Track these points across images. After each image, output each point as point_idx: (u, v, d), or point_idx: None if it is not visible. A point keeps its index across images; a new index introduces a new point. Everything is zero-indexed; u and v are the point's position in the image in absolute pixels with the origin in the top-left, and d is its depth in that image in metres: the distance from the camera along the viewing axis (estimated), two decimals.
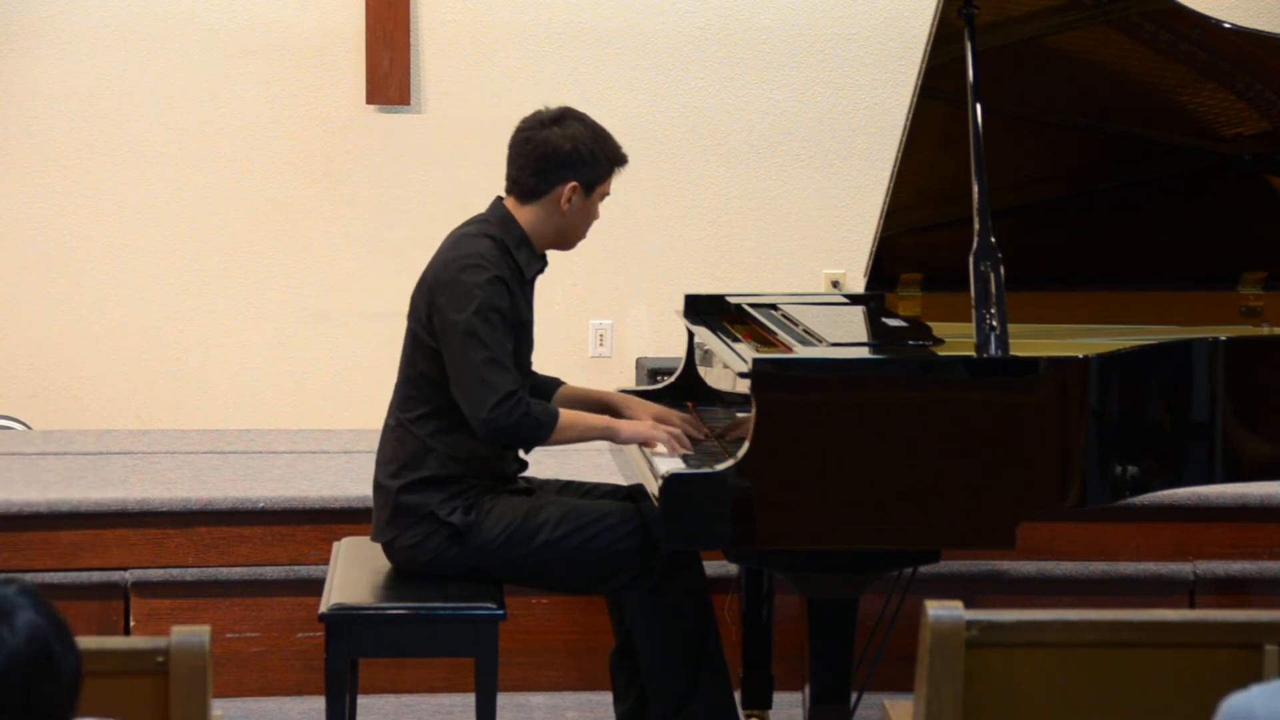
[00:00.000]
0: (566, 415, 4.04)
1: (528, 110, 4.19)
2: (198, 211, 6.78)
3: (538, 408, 4.00)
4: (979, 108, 3.94)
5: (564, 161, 4.10)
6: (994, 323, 3.79)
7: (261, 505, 4.99)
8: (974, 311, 3.81)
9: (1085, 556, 5.09)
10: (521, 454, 4.20)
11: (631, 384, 6.37)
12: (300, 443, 5.80)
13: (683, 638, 4.09)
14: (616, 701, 4.34)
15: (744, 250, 6.95)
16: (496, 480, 4.16)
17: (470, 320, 3.98)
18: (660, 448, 4.04)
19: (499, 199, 4.19)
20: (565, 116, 4.15)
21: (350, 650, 3.98)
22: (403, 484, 4.09)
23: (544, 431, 3.99)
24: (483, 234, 4.12)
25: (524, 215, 4.14)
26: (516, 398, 3.96)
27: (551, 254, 4.21)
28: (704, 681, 4.09)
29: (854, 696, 3.85)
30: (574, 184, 4.11)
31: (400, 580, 4.10)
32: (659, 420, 4.16)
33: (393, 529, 4.12)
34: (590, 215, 4.18)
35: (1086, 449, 3.78)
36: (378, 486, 4.17)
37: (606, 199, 4.19)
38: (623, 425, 4.11)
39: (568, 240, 4.20)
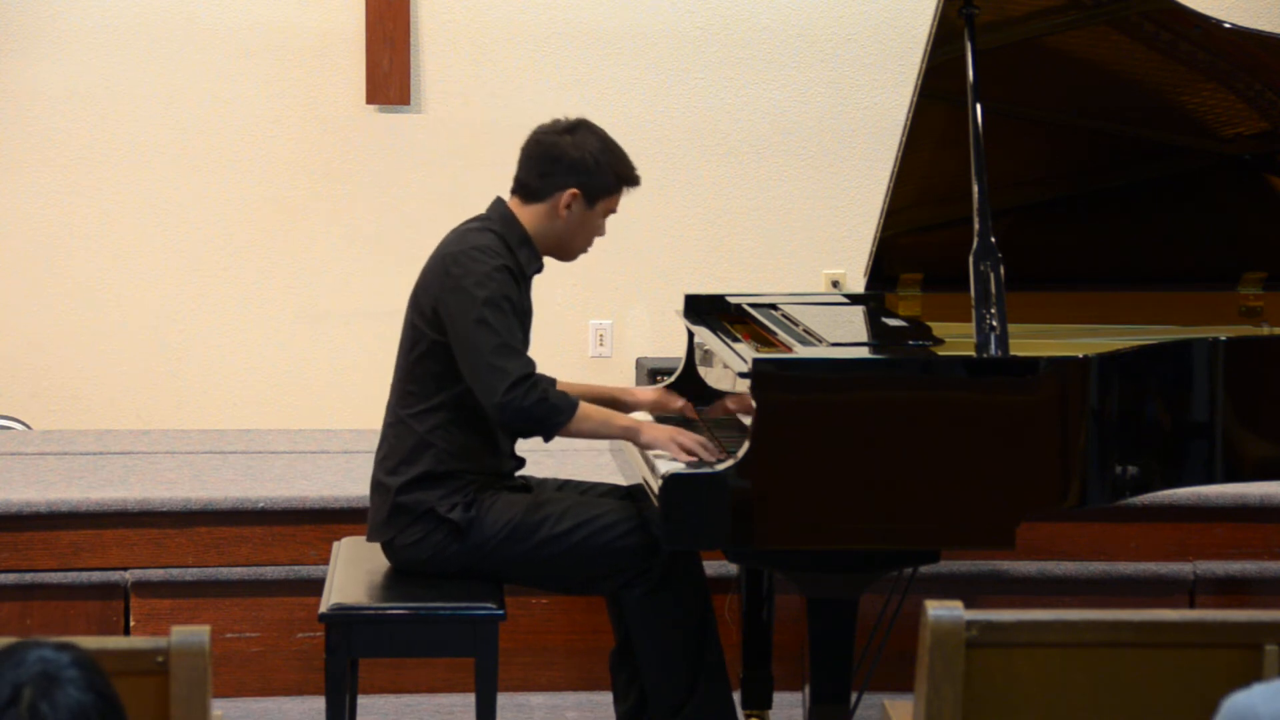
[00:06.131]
0: (586, 407, 4.00)
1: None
2: (198, 211, 6.78)
3: (555, 394, 3.97)
4: (979, 108, 3.94)
5: (568, 166, 4.10)
6: (994, 323, 3.78)
7: (261, 505, 4.99)
8: (974, 311, 3.81)
9: (1085, 556, 5.09)
10: (539, 443, 4.15)
11: (631, 384, 6.38)
12: (300, 443, 5.80)
13: (683, 637, 4.08)
14: (616, 701, 4.34)
15: (744, 250, 6.95)
16: (494, 477, 4.15)
17: (481, 309, 3.97)
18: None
19: (499, 199, 4.19)
20: (580, 127, 4.15)
21: (350, 650, 3.98)
22: (402, 482, 4.08)
23: (562, 418, 3.96)
24: (486, 229, 4.13)
25: (525, 215, 4.15)
26: (531, 381, 3.95)
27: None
28: (703, 682, 4.09)
29: (854, 696, 3.85)
30: (574, 190, 4.11)
31: (400, 580, 4.10)
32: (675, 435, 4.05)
33: (391, 528, 4.11)
34: (591, 229, 4.16)
35: (1086, 449, 3.78)
36: (376, 484, 4.17)
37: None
38: (644, 428, 4.07)
39: (566, 250, 4.18)
